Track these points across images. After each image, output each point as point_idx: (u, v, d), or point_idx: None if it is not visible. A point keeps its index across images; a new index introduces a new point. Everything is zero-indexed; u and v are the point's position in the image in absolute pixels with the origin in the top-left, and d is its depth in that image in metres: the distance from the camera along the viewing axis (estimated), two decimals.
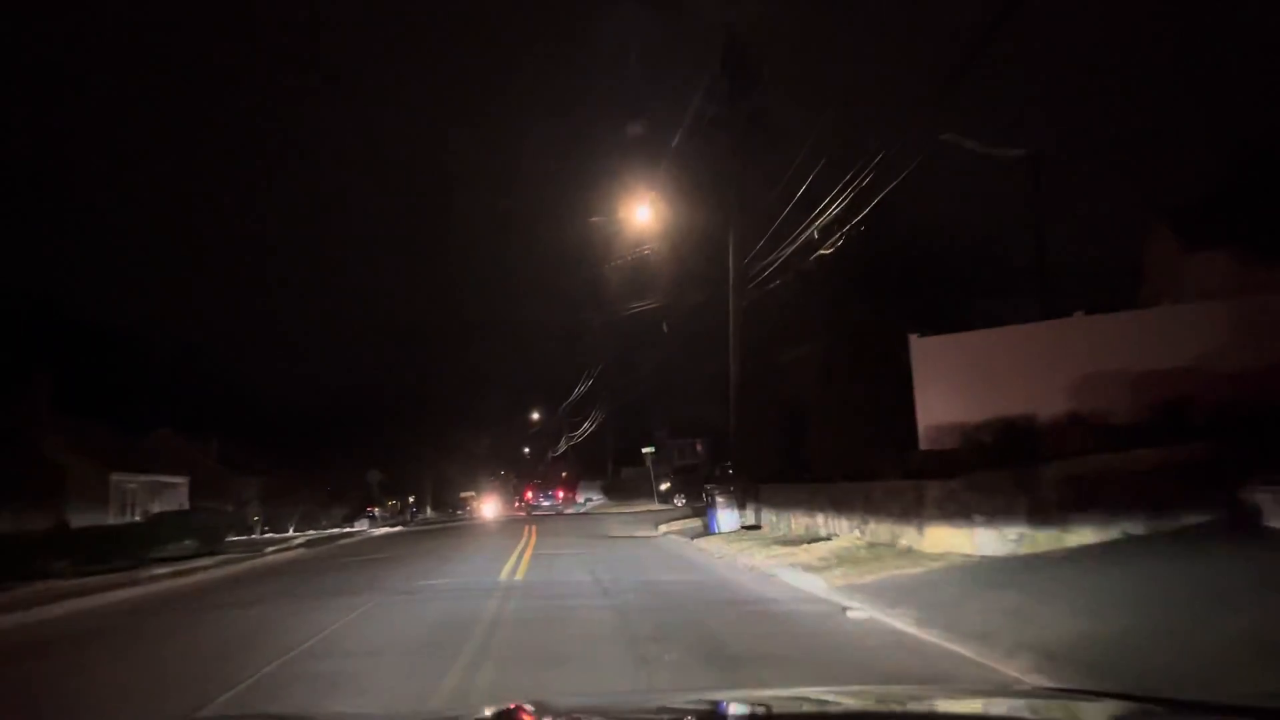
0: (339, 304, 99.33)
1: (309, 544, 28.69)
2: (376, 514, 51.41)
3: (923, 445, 13.87)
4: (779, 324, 28.99)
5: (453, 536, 27.19)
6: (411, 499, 79.71)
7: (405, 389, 77.38)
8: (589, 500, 54.55)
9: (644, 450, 42.15)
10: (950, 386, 13.46)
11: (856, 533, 13.00)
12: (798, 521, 16.30)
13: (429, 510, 75.58)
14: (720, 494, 19.02)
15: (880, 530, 12.22)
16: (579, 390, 60.90)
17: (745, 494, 19.20)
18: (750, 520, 19.25)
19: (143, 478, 38.09)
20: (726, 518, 18.82)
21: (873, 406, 16.78)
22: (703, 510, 27.82)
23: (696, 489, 35.80)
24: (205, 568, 19.23)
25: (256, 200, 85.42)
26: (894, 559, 10.77)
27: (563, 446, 73.66)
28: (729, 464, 39.91)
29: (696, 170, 25.52)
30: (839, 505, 13.93)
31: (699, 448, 45.24)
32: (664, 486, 37.42)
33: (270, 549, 26.62)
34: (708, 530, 19.15)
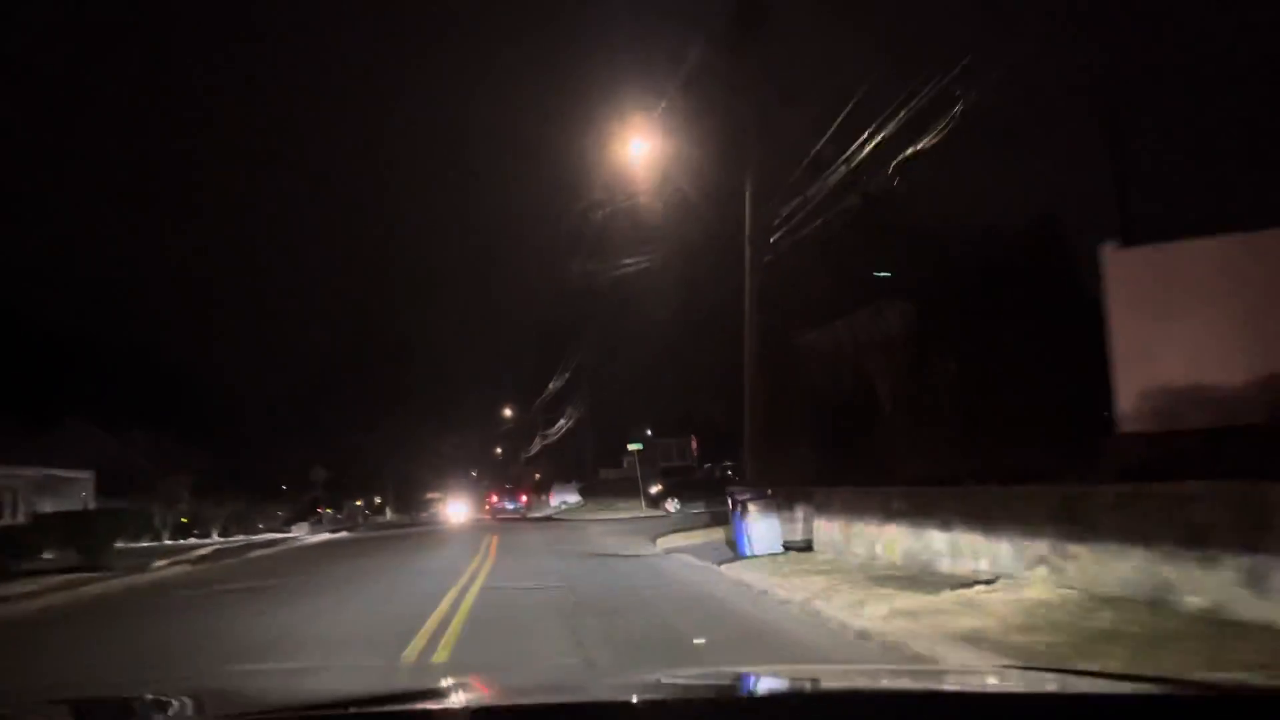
0: (292, 290, 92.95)
1: (211, 556, 22.91)
2: (323, 516, 45.30)
3: (1130, 426, 8.36)
4: (805, 293, 23.54)
5: (392, 549, 21.41)
6: (379, 500, 73.43)
7: (366, 383, 71.57)
8: (563, 504, 48.81)
9: (629, 447, 36.36)
10: (1199, 324, 7.93)
11: (1042, 569, 7.42)
12: (887, 542, 10.71)
13: (389, 512, 69.56)
14: (754, 501, 13.36)
15: (1110, 569, 6.64)
16: (555, 384, 55.31)
17: (792, 501, 13.60)
18: (795, 535, 13.69)
19: (28, 471, 31.77)
20: (762, 533, 13.19)
21: (1002, 378, 11.28)
22: (706, 519, 22.27)
23: (692, 493, 30.27)
24: None
25: (197, 174, 78.95)
26: (1219, 640, 5.20)
27: (536, 446, 67.99)
28: (729, 465, 34.37)
29: (704, 100, 19.95)
30: (988, 521, 8.35)
31: (694, 445, 39.66)
32: (654, 489, 31.73)
33: (161, 562, 20.92)
34: (735, 549, 13.55)
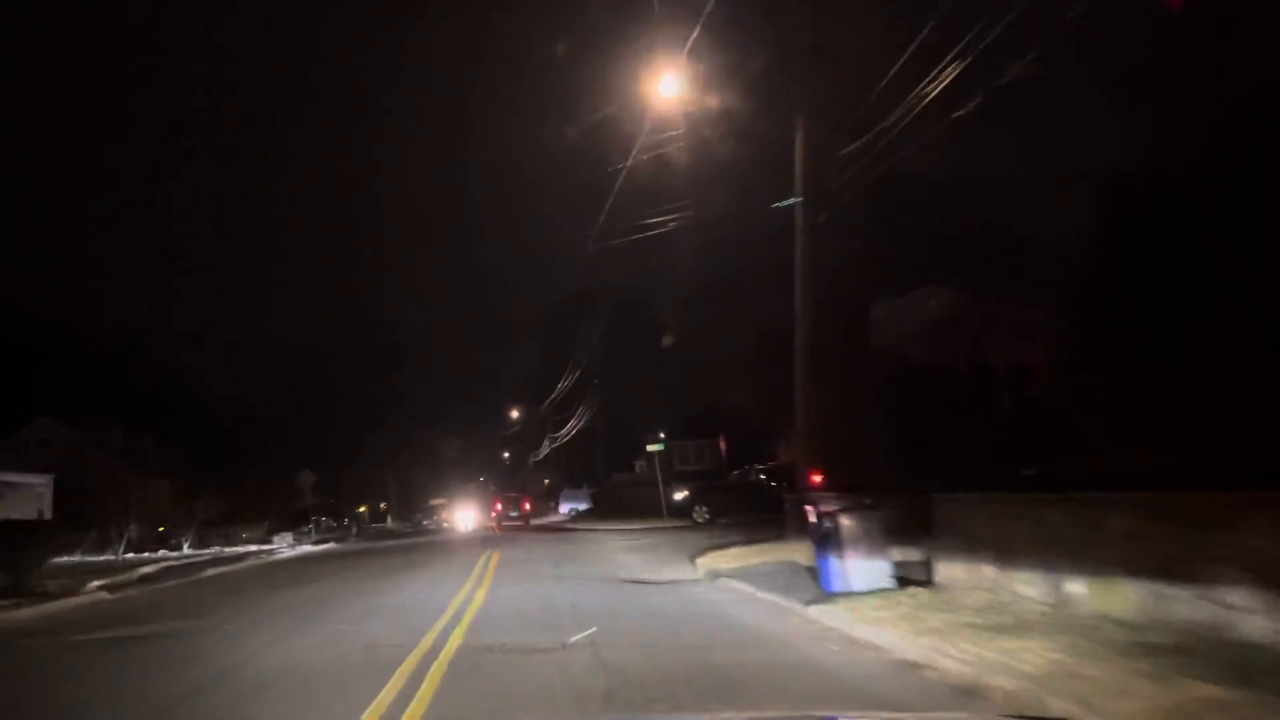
0: (289, 287, 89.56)
1: (155, 576, 19.42)
2: (315, 525, 41.63)
3: None
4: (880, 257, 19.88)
5: (369, 569, 17.68)
6: (383, 505, 69.73)
7: (367, 384, 68.12)
8: (574, 510, 45.13)
9: (648, 449, 32.46)
10: None
11: None
12: (1092, 582, 6.84)
13: (390, 520, 66.01)
14: (848, 513, 9.47)
15: None
16: (564, 383, 51.59)
17: (909, 517, 9.72)
18: (904, 559, 9.84)
19: None
20: (863, 560, 9.33)
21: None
22: (748, 532, 18.40)
23: (723, 500, 26.40)
24: None
25: (189, 168, 75.68)
26: None
27: (545, 449, 64.41)
28: (762, 467, 30.51)
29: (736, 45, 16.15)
30: None
31: (723, 446, 35.71)
32: (679, 496, 27.87)
33: (96, 583, 17.35)
34: (818, 579, 9.71)
